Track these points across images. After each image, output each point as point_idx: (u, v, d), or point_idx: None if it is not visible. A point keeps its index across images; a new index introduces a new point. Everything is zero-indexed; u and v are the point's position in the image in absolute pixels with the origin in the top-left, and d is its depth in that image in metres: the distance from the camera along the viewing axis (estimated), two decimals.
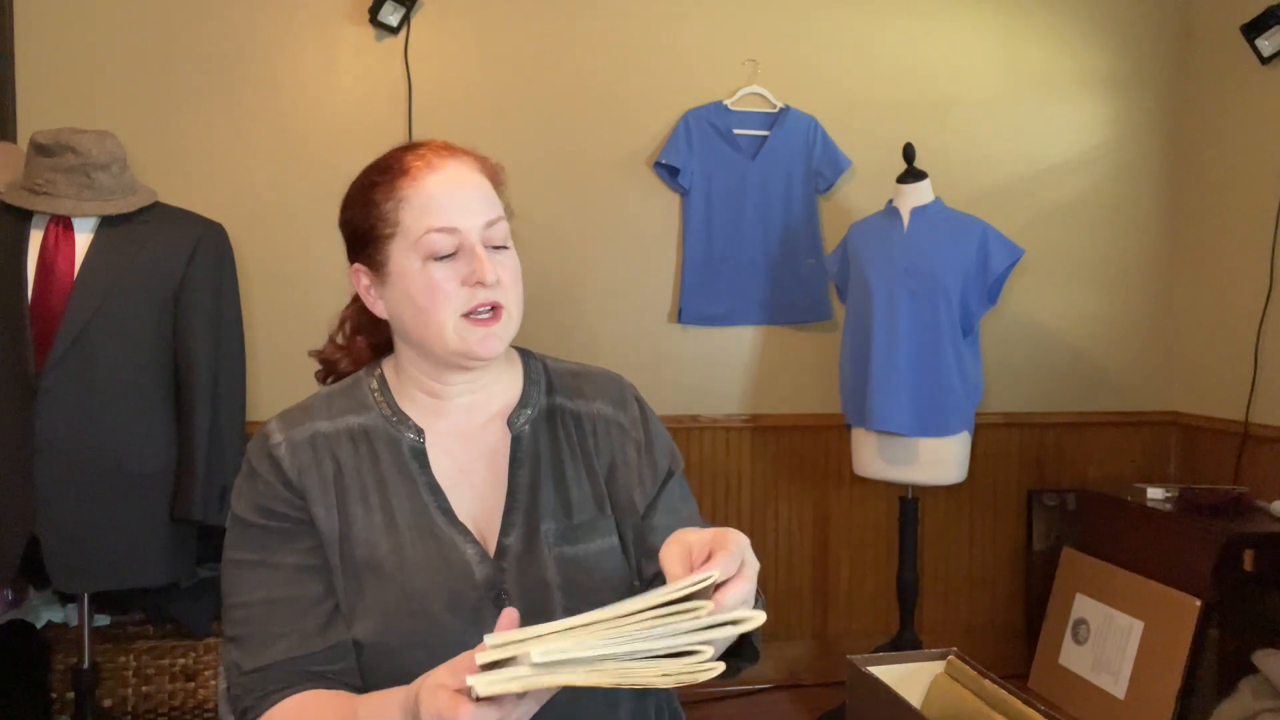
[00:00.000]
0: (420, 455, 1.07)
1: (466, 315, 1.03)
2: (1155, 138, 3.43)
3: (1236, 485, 3.03)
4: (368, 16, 2.89)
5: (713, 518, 3.12)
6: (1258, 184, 3.10)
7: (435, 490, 1.06)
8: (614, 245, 3.12)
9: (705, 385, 3.18)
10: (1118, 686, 2.79)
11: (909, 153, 2.77)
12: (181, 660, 2.58)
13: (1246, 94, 3.15)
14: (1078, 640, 2.99)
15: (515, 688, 0.69)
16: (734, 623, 0.73)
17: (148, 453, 2.15)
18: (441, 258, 1.02)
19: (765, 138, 3.13)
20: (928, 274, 2.66)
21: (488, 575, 1.03)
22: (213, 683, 2.59)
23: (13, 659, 2.49)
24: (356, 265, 1.09)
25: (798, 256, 3.16)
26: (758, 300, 3.17)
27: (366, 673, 1.01)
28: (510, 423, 1.11)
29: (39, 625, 2.55)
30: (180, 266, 2.19)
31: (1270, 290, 3.04)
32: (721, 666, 0.72)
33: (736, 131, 3.12)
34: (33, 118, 2.70)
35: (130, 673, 2.56)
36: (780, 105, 3.14)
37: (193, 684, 2.58)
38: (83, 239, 2.11)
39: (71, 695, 2.40)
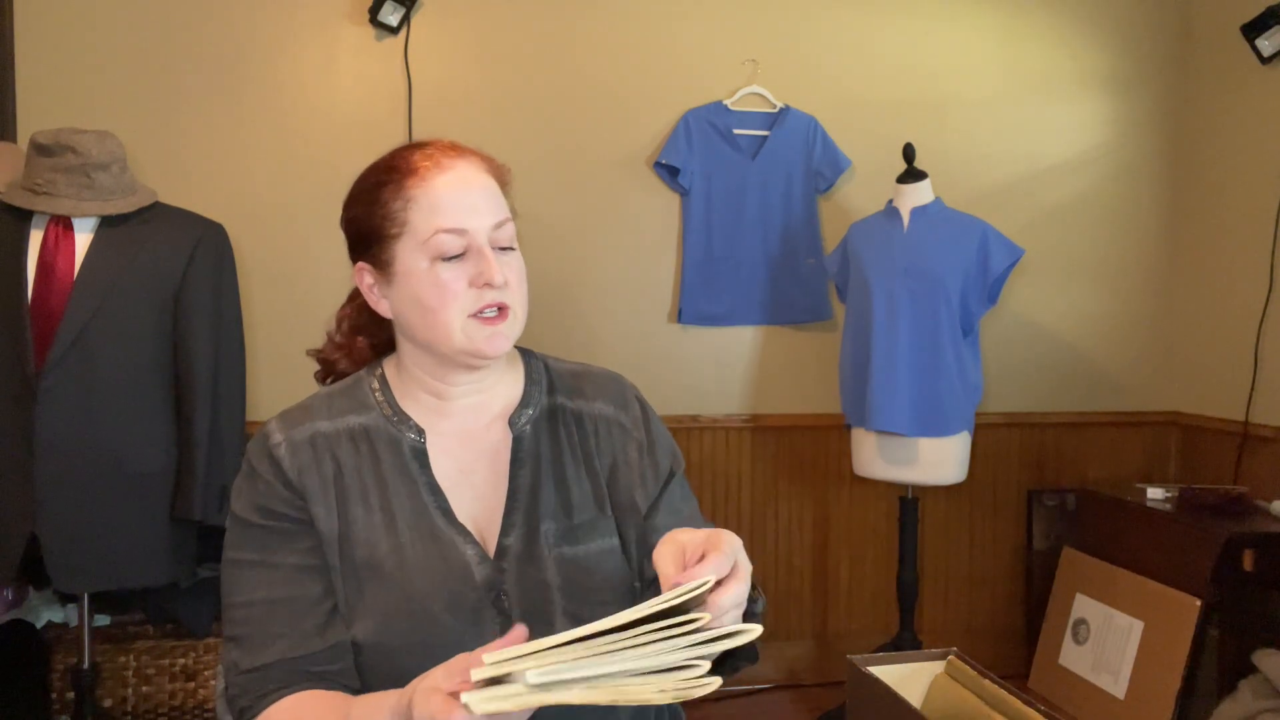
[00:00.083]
0: (421, 455, 1.07)
1: (474, 315, 1.03)
2: (1155, 138, 3.43)
3: (1236, 485, 3.03)
4: (368, 16, 2.89)
5: (713, 518, 3.12)
6: (1258, 184, 3.10)
7: (435, 491, 1.06)
8: (614, 245, 3.12)
9: (705, 385, 3.18)
10: (1118, 686, 2.79)
11: (909, 153, 2.77)
12: (181, 660, 2.58)
13: (1246, 94, 3.15)
14: (1078, 640, 2.99)
15: (510, 707, 0.69)
16: (731, 635, 0.73)
17: (148, 453, 2.15)
18: (449, 258, 1.02)
19: (765, 138, 3.13)
20: (928, 274, 2.66)
21: (487, 576, 1.03)
22: (212, 683, 2.59)
23: (13, 659, 2.49)
24: (360, 264, 1.08)
25: (798, 256, 3.16)
26: (758, 300, 3.17)
27: (366, 673, 1.01)
28: (511, 423, 1.11)
29: (39, 625, 2.56)
30: (180, 266, 2.19)
31: (1270, 290, 3.04)
32: (718, 681, 0.72)
33: (736, 131, 3.12)
34: (33, 118, 2.70)
35: (130, 673, 2.56)
36: (780, 105, 3.14)
37: (193, 684, 2.58)
38: (83, 239, 2.11)
39: (71, 695, 2.40)
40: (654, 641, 0.71)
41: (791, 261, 3.16)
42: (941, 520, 3.32)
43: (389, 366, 1.13)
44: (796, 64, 3.18)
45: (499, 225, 1.05)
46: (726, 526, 0.87)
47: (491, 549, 1.05)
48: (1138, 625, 2.78)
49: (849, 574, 3.29)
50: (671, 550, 0.81)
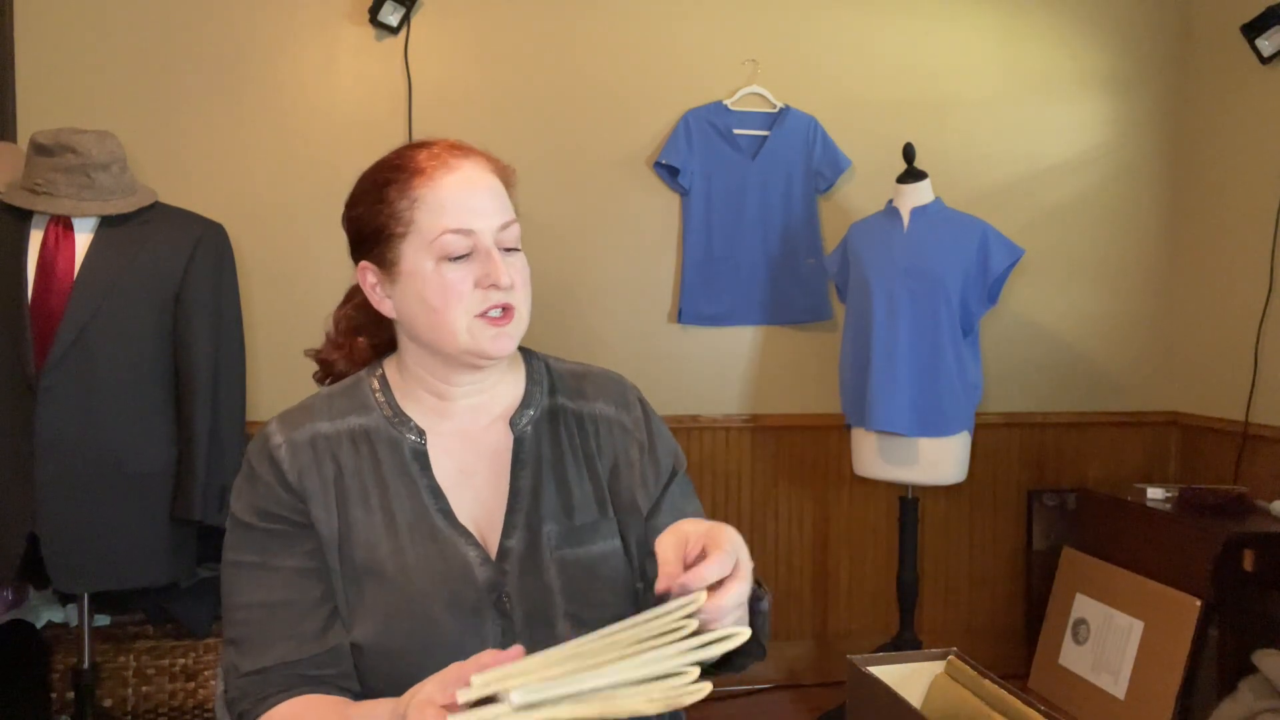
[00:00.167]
0: (421, 457, 1.06)
1: (480, 315, 1.02)
2: (1155, 138, 3.43)
3: (1236, 485, 3.03)
4: (368, 16, 2.89)
5: (712, 517, 3.11)
6: (1258, 184, 3.10)
7: (436, 492, 1.05)
8: (614, 245, 3.12)
9: (705, 385, 3.18)
10: (1118, 686, 2.79)
11: (909, 153, 2.77)
12: (181, 660, 2.58)
13: (1246, 94, 3.15)
14: (1078, 640, 2.99)
15: None
16: (721, 639, 0.72)
17: (148, 453, 2.15)
18: (455, 258, 1.02)
19: (765, 138, 3.13)
20: (928, 274, 2.66)
21: (489, 578, 1.02)
22: (212, 683, 2.59)
23: (13, 659, 2.49)
24: (364, 263, 1.08)
25: (798, 256, 3.16)
26: (758, 300, 3.17)
27: (367, 675, 1.00)
28: (512, 424, 1.10)
29: (39, 625, 2.55)
30: (180, 266, 2.19)
31: (1270, 290, 3.04)
32: (708, 688, 0.72)
33: (736, 131, 3.12)
34: (33, 118, 2.70)
35: (130, 673, 2.56)
36: (780, 105, 3.14)
37: (193, 684, 2.58)
38: (83, 239, 2.11)
39: (71, 695, 2.40)
40: (643, 652, 0.70)
41: (791, 261, 3.16)
42: (941, 520, 3.32)
43: (390, 367, 1.13)
44: (796, 64, 3.18)
45: (505, 226, 1.05)
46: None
47: (493, 551, 1.04)
48: (1138, 625, 2.78)
49: (849, 574, 3.29)
50: (674, 540, 0.82)
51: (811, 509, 3.27)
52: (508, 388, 1.12)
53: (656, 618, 0.72)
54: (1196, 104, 3.37)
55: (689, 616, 0.74)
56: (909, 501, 2.87)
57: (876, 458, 2.75)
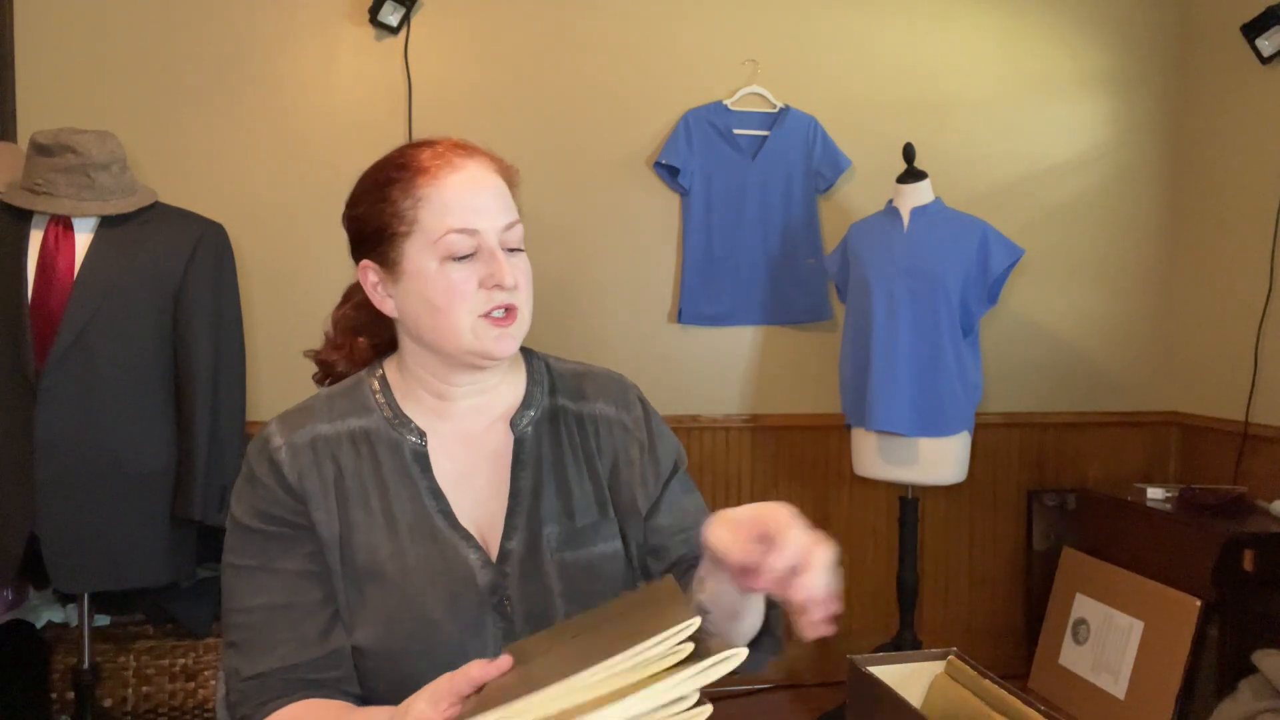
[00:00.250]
0: (422, 459, 1.06)
1: (483, 315, 1.02)
2: (1155, 138, 3.43)
3: (1236, 485, 3.03)
4: (368, 16, 2.89)
5: None
6: (1258, 184, 3.10)
7: (437, 494, 1.05)
8: (614, 245, 3.12)
9: (705, 385, 3.18)
10: (1118, 686, 2.79)
11: (909, 153, 2.77)
12: (181, 660, 2.58)
13: (1246, 94, 3.15)
14: (1078, 640, 2.99)
15: None
16: (720, 662, 0.71)
17: (148, 453, 2.15)
18: (459, 258, 1.01)
19: (765, 138, 3.13)
20: (928, 274, 2.66)
21: (490, 581, 1.02)
22: (212, 683, 2.59)
23: (13, 659, 2.49)
24: (365, 262, 1.07)
25: (798, 256, 3.16)
26: (758, 300, 3.17)
27: (369, 678, 1.00)
28: (513, 424, 1.10)
29: (39, 625, 2.55)
30: (180, 266, 2.19)
31: (1270, 290, 3.04)
32: (709, 710, 0.71)
33: (736, 131, 3.12)
34: (33, 118, 2.70)
35: (130, 673, 2.56)
36: (780, 105, 3.14)
37: (193, 684, 2.58)
38: (83, 239, 2.11)
39: (71, 695, 2.40)
40: (644, 684, 0.70)
41: (791, 261, 3.16)
42: (941, 520, 3.32)
43: (390, 367, 1.12)
44: (796, 64, 3.18)
45: (509, 227, 1.04)
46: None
47: (494, 552, 1.04)
48: (1138, 625, 2.78)
49: (849, 574, 3.29)
50: (726, 529, 0.82)
51: (811, 509, 3.27)
52: (509, 388, 1.12)
53: (655, 645, 0.71)
54: (1196, 104, 3.37)
55: (684, 641, 0.72)
56: (909, 501, 2.87)
57: (876, 458, 2.75)
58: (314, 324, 1.25)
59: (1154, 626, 2.73)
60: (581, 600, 1.03)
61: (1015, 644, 3.33)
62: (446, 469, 1.06)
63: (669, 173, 3.09)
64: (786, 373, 3.22)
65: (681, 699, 0.71)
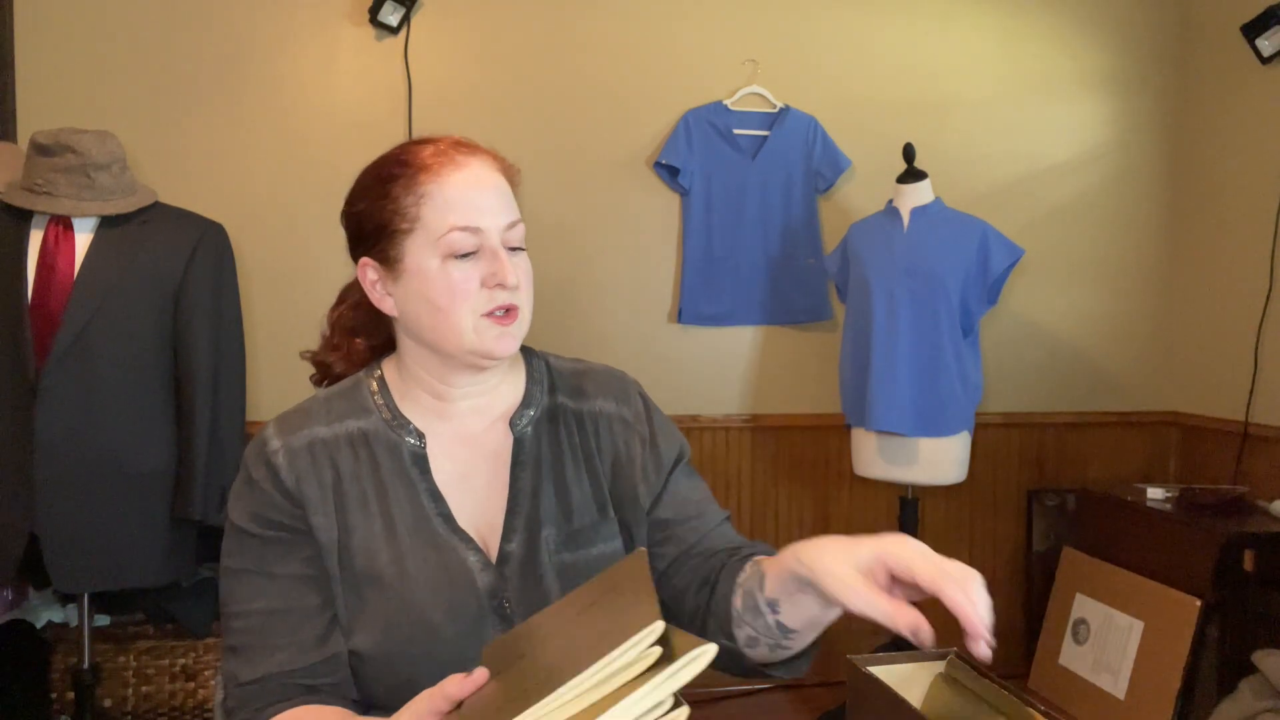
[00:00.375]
0: (421, 461, 1.05)
1: (485, 315, 1.01)
2: (1155, 138, 3.42)
3: (1236, 485, 3.03)
4: (368, 16, 2.89)
5: None
6: (1258, 184, 3.09)
7: (436, 496, 1.04)
8: (614, 245, 3.12)
9: (705, 385, 3.18)
10: (1118, 686, 2.79)
11: (909, 153, 2.77)
12: (181, 660, 2.58)
13: (1246, 94, 3.15)
14: (1078, 640, 2.99)
15: None
16: (692, 661, 0.70)
17: (148, 453, 2.15)
18: (461, 256, 1.00)
19: (765, 138, 3.13)
20: (928, 274, 2.66)
21: (490, 584, 1.01)
22: (212, 683, 2.59)
23: (13, 659, 2.49)
24: (364, 260, 1.06)
25: (798, 256, 3.16)
26: (758, 300, 3.16)
27: (368, 683, 0.99)
28: (512, 424, 1.09)
29: (39, 625, 2.55)
30: (180, 266, 2.19)
31: (1270, 290, 3.04)
32: (686, 711, 0.71)
33: (736, 131, 3.12)
34: (33, 118, 2.69)
35: (130, 673, 2.56)
36: (780, 105, 3.14)
37: (193, 684, 2.58)
38: (83, 239, 2.11)
39: (71, 695, 2.40)
40: (619, 696, 0.69)
41: (791, 261, 3.16)
42: (941, 520, 3.32)
43: (388, 368, 1.11)
44: (796, 64, 3.18)
45: (511, 226, 1.03)
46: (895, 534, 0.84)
47: (493, 555, 1.03)
48: (1138, 625, 2.78)
49: None
50: (852, 575, 0.81)
51: (811, 509, 3.27)
52: (508, 388, 1.11)
53: (624, 652, 0.70)
54: (1196, 104, 3.37)
55: (652, 645, 0.71)
56: (909, 501, 2.87)
57: (876, 458, 2.75)
58: (314, 324, 1.25)
59: (1154, 626, 2.73)
60: None
61: (1015, 644, 3.32)
62: (446, 470, 1.05)
63: (669, 173, 3.09)
64: (786, 373, 3.22)
65: (658, 704, 0.70)
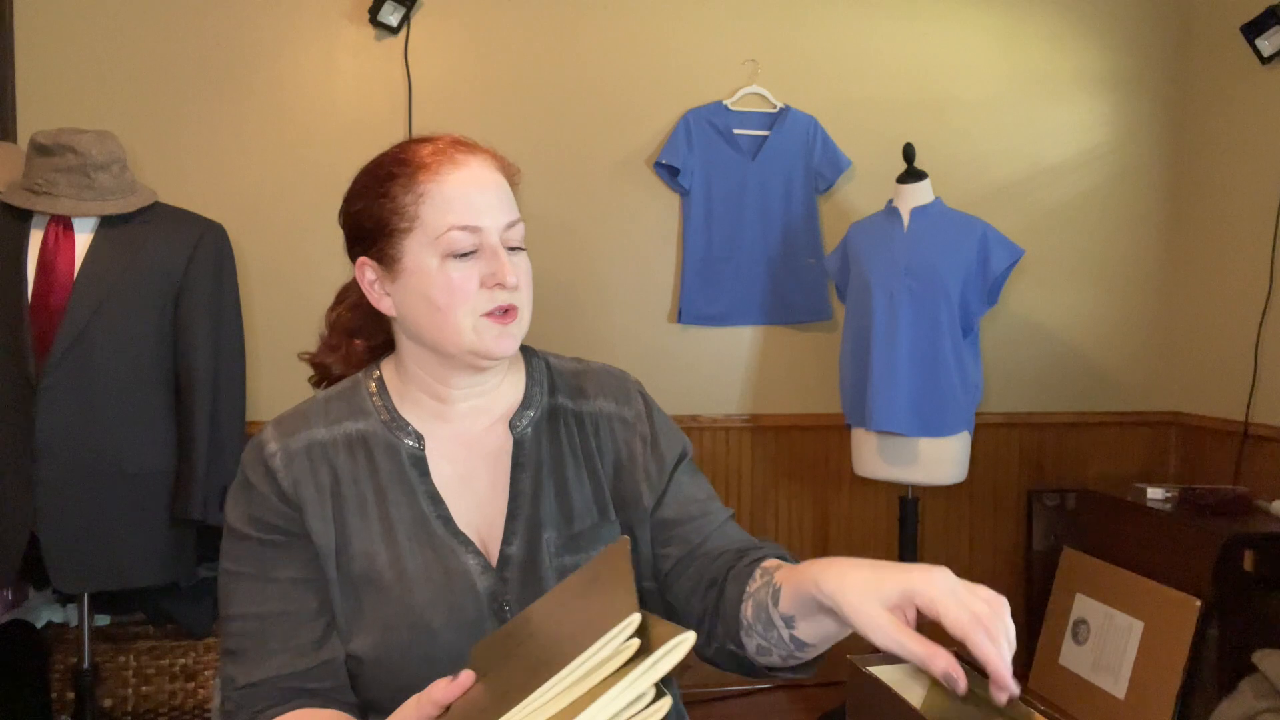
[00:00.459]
0: (420, 463, 1.04)
1: (485, 314, 1.00)
2: (1155, 138, 3.42)
3: (1236, 485, 3.03)
4: (368, 16, 2.89)
5: None
6: (1258, 184, 3.09)
7: (435, 499, 1.03)
8: (614, 245, 3.12)
9: (705, 385, 3.18)
10: (1118, 686, 2.79)
11: (909, 153, 2.77)
12: (181, 660, 2.58)
13: (1246, 94, 3.15)
14: (1078, 640, 2.99)
15: None
16: (671, 651, 0.69)
17: (148, 453, 2.15)
18: (460, 255, 0.99)
19: (765, 138, 3.13)
20: (928, 274, 2.66)
21: (490, 587, 1.00)
22: (212, 683, 2.59)
23: (13, 659, 2.49)
24: (362, 260, 1.05)
25: (798, 256, 3.16)
26: (758, 300, 3.17)
27: (367, 687, 0.99)
28: (512, 425, 1.08)
29: (39, 625, 2.56)
30: (180, 266, 2.19)
31: (1270, 290, 3.04)
32: (668, 702, 0.70)
33: (736, 131, 3.12)
34: (33, 118, 2.70)
35: (130, 673, 2.56)
36: (780, 105, 3.14)
37: (193, 684, 2.58)
38: (83, 239, 2.11)
39: (71, 695, 2.40)
40: (599, 692, 0.68)
41: (791, 261, 3.16)
42: (941, 520, 3.32)
43: (387, 368, 1.10)
44: (796, 64, 3.18)
45: (511, 225, 1.03)
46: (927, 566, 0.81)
47: (494, 557, 1.02)
48: (1138, 625, 2.78)
49: None
50: (879, 612, 0.80)
51: (811, 509, 3.27)
52: (508, 389, 1.10)
53: (601, 648, 0.69)
54: (1196, 104, 3.37)
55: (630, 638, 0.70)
56: (909, 501, 2.87)
57: (876, 458, 2.75)
58: (314, 324, 1.24)
59: (1154, 626, 2.73)
60: None
61: (1015, 644, 3.32)
62: (445, 472, 1.05)
63: (669, 173, 3.09)
64: (786, 373, 3.22)
65: (639, 697, 0.69)
